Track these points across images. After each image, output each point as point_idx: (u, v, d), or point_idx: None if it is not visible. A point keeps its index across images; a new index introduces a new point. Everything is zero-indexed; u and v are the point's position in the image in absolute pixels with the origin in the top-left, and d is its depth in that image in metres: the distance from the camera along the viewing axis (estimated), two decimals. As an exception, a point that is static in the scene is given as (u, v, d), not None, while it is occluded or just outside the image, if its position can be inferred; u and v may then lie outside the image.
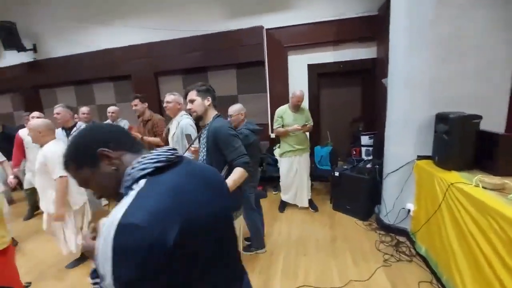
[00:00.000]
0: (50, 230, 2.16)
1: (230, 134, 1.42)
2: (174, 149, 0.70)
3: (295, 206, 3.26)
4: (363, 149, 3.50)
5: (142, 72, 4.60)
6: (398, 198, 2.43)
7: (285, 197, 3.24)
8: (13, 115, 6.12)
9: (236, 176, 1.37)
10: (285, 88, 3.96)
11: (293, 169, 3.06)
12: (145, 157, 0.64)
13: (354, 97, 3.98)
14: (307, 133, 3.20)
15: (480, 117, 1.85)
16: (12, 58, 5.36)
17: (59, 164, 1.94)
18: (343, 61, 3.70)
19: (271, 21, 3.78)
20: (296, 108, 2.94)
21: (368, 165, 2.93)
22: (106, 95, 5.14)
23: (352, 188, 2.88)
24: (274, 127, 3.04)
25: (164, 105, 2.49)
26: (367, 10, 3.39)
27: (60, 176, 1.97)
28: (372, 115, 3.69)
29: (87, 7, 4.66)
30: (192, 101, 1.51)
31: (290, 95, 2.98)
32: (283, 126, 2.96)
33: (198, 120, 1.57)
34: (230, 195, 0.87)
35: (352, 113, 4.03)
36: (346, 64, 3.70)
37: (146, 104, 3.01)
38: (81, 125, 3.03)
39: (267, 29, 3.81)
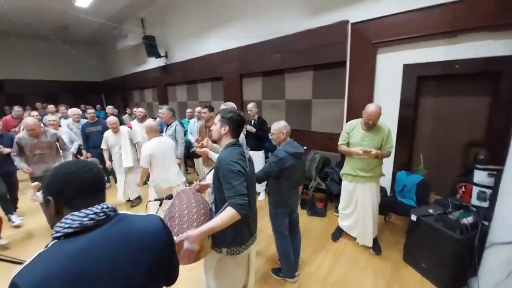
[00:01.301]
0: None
1: (230, 170, 1.28)
2: (108, 207, 0.74)
3: (354, 238, 2.72)
4: (475, 190, 2.39)
5: (230, 74, 5.04)
6: (502, 283, 1.54)
7: (343, 223, 2.75)
8: (152, 105, 8.28)
9: (224, 215, 1.24)
10: (368, 95, 3.26)
11: (354, 197, 2.54)
12: (64, 219, 0.69)
13: (477, 112, 2.75)
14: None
15: None
16: (152, 63, 7.18)
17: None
18: (460, 59, 2.61)
19: (358, 13, 3.15)
20: (369, 126, 2.33)
21: (468, 218, 1.99)
22: (206, 93, 6.02)
23: (433, 243, 2.07)
24: (339, 142, 2.56)
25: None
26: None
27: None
28: (503, 142, 2.44)
29: (197, 24, 5.54)
30: (215, 124, 1.50)
31: (364, 111, 2.35)
32: (348, 143, 2.46)
33: (215, 143, 1.55)
34: (166, 256, 0.82)
35: (468, 133, 2.83)
36: (465, 63, 2.59)
37: (213, 113, 3.30)
38: (177, 122, 3.68)
39: (352, 24, 3.21)
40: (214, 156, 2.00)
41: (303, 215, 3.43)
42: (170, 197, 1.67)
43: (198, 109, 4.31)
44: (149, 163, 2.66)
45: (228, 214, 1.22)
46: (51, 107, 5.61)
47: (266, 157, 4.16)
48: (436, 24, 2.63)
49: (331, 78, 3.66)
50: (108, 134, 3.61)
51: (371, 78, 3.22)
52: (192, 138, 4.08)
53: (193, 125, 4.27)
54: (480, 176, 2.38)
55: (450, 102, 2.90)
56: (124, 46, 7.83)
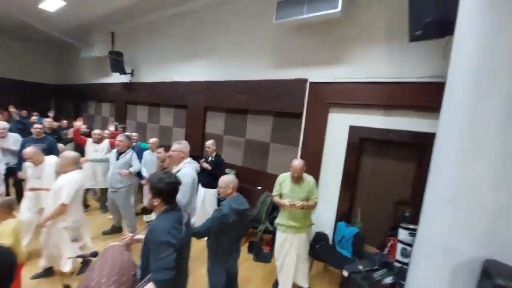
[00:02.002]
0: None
1: (159, 241, 1.23)
2: None
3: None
4: (399, 247, 2.68)
5: (195, 105, 5.07)
6: None
7: (280, 277, 2.77)
8: (108, 120, 7.75)
9: None
10: (319, 146, 3.56)
11: (284, 247, 2.62)
12: None
13: (406, 174, 3.19)
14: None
15: None
16: (116, 77, 6.88)
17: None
18: (394, 129, 3.06)
19: (317, 75, 3.55)
20: (295, 179, 2.55)
21: (389, 278, 2.19)
22: (168, 118, 5.89)
23: (360, 301, 2.20)
24: (272, 193, 2.74)
25: (169, 153, 2.56)
26: (431, 75, 2.74)
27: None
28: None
29: (171, 48, 5.60)
30: (148, 193, 1.45)
31: (291, 166, 2.59)
32: (281, 195, 2.62)
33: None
34: None
35: (399, 193, 3.23)
36: (397, 133, 3.04)
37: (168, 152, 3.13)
38: (131, 151, 3.46)
39: (310, 83, 3.59)
40: None
41: (248, 260, 3.38)
42: (95, 254, 1.53)
43: (152, 140, 4.12)
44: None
45: None
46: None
47: (218, 195, 4.12)
48: (376, 97, 3.09)
49: (289, 126, 3.92)
50: (26, 164, 2.98)
51: (323, 133, 3.55)
52: (144, 171, 3.82)
53: (147, 156, 4.03)
54: (403, 234, 2.68)
55: (385, 163, 3.30)
56: (88, 56, 7.43)
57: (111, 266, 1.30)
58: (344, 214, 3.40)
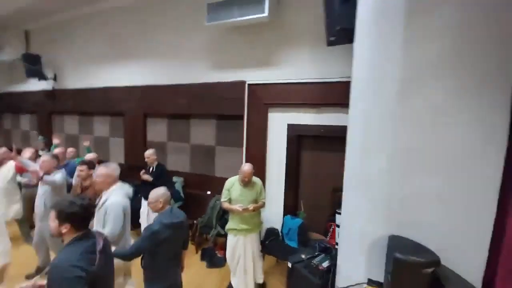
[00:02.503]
0: None
1: (64, 278, 1.11)
2: None
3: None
4: (337, 231, 2.97)
5: (133, 112, 4.72)
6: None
7: (233, 280, 2.81)
8: (29, 134, 6.69)
9: None
10: (262, 146, 3.68)
11: (237, 250, 2.69)
12: None
13: (337, 164, 3.52)
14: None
15: (436, 264, 1.38)
16: (36, 85, 5.95)
17: None
18: (324, 125, 3.35)
19: (254, 76, 3.65)
20: (245, 183, 2.63)
21: (326, 263, 2.42)
22: (103, 128, 5.35)
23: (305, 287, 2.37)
24: (221, 199, 2.75)
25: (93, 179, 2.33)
26: (350, 75, 3.06)
27: None
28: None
29: (98, 49, 5.07)
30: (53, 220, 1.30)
31: (239, 171, 2.68)
32: (230, 200, 2.66)
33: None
34: None
35: (335, 181, 3.55)
36: (327, 128, 3.34)
37: (92, 171, 2.79)
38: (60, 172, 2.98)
39: (249, 84, 3.68)
40: None
41: (201, 268, 3.34)
42: None
43: (69, 149, 3.69)
44: None
45: None
46: None
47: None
48: (308, 96, 3.33)
49: (232, 128, 3.96)
50: None
51: (264, 132, 3.68)
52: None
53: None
54: (339, 219, 2.98)
55: (321, 156, 3.60)
56: (-4, 59, 6.25)
57: None
58: (290, 208, 3.60)
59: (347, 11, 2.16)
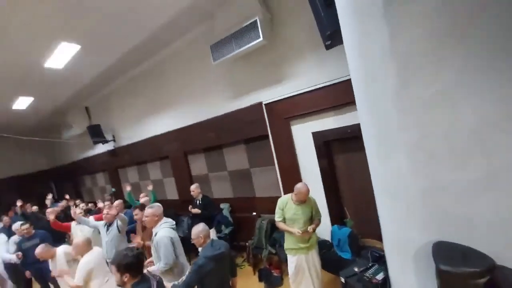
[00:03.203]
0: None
1: None
2: None
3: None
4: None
5: (175, 153, 5.29)
6: None
7: None
8: (105, 188, 7.99)
9: None
10: (293, 159, 3.69)
11: (301, 268, 2.67)
12: None
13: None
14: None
15: (490, 272, 1.20)
16: (101, 148, 7.18)
17: None
18: (349, 125, 3.20)
19: (268, 95, 3.75)
20: (300, 202, 2.59)
21: (380, 275, 2.25)
22: (156, 172, 6.10)
23: (360, 303, 2.24)
24: (276, 219, 2.69)
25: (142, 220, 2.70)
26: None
27: None
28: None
29: (140, 108, 5.92)
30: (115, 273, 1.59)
31: (294, 191, 2.59)
32: (285, 219, 2.64)
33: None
34: None
35: (378, 180, 3.31)
36: (353, 127, 3.16)
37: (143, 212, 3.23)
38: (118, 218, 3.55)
39: (265, 104, 3.79)
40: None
41: (260, 289, 3.43)
42: None
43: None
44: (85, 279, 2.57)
45: None
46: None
47: (219, 231, 4.22)
48: (324, 100, 3.26)
49: (261, 149, 4.09)
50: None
51: (292, 146, 3.69)
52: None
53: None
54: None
55: (354, 156, 3.40)
56: (70, 136, 7.79)
57: None
58: (335, 217, 3.47)
59: (332, 14, 2.13)
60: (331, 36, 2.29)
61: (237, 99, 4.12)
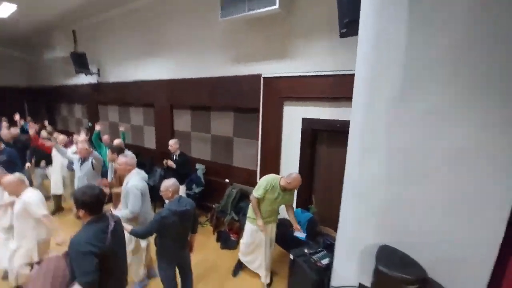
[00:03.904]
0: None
1: (79, 252, 1.40)
2: None
3: (252, 273, 3.02)
4: (345, 228, 2.95)
5: (161, 103, 5.10)
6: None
7: (244, 258, 3.03)
8: (82, 121, 7.69)
9: None
10: (277, 138, 3.72)
11: (257, 236, 2.84)
12: None
13: (354, 160, 3.41)
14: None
15: (421, 282, 1.35)
16: (84, 78, 6.75)
17: None
18: (340, 120, 3.23)
19: (269, 69, 3.63)
20: (288, 190, 2.72)
21: (325, 260, 2.46)
22: (138, 117, 5.91)
23: (302, 281, 2.47)
24: (256, 194, 2.71)
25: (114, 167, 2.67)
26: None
27: None
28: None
29: (132, 48, 5.49)
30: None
31: (287, 178, 2.67)
32: (263, 198, 2.71)
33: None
34: None
35: (350, 177, 3.46)
36: (344, 123, 3.21)
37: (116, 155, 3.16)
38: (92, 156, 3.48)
39: (264, 78, 3.67)
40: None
41: (216, 248, 3.65)
42: (39, 262, 1.70)
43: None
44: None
45: None
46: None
47: (189, 189, 4.31)
48: (322, 90, 3.22)
49: (248, 121, 4.05)
50: None
51: (279, 125, 3.69)
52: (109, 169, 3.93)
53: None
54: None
55: (336, 151, 3.50)
56: (52, 56, 7.20)
57: (46, 273, 1.48)
58: (302, 201, 3.64)
59: (355, 2, 2.01)
60: (349, 24, 2.19)
61: (236, 65, 3.95)
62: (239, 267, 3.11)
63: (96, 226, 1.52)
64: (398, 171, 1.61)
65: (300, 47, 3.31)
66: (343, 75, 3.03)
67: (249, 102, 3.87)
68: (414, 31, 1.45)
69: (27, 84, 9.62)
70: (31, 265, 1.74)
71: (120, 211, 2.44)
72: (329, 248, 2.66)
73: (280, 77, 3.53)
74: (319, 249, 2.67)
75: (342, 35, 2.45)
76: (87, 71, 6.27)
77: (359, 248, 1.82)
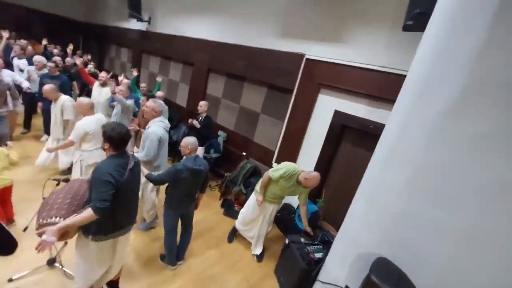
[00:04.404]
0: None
1: (100, 179, 1.52)
2: None
3: (247, 242, 3.14)
4: (348, 230, 2.89)
5: (201, 64, 5.14)
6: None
7: (239, 226, 3.14)
8: (126, 65, 8.07)
9: (83, 214, 1.49)
10: (303, 125, 3.61)
11: (257, 209, 2.89)
12: None
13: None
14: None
15: None
16: (135, 24, 6.96)
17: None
18: (375, 121, 3.02)
19: (314, 51, 3.42)
20: (303, 185, 2.67)
21: (319, 254, 2.45)
22: (176, 73, 6.05)
23: (291, 266, 2.52)
24: (271, 174, 2.69)
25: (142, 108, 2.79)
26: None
27: None
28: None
29: (185, 3, 5.45)
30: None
31: (306, 174, 2.61)
32: (274, 181, 2.71)
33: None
34: None
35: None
36: (378, 126, 3.00)
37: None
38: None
39: (307, 58, 3.49)
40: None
41: (218, 213, 3.82)
42: (66, 180, 1.89)
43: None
44: (80, 139, 2.77)
45: (87, 214, 1.49)
46: (21, 42, 5.21)
47: (207, 153, 4.44)
48: (364, 85, 2.99)
49: (279, 101, 3.95)
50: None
51: (309, 112, 3.56)
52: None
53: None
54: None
55: (361, 153, 3.33)
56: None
57: (68, 191, 1.66)
58: (312, 193, 3.57)
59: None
60: (417, 16, 1.94)
61: (280, 39, 3.78)
62: (233, 234, 3.24)
63: (118, 161, 1.65)
64: (423, 189, 1.48)
65: (354, 33, 3.05)
66: (391, 73, 2.77)
67: (285, 81, 3.74)
68: (491, 42, 1.24)
69: (84, 19, 10.16)
70: (58, 181, 1.92)
71: (138, 153, 2.60)
72: (326, 244, 2.65)
73: (324, 61, 3.33)
74: (316, 242, 2.67)
75: (406, 28, 2.19)
76: (139, 17, 6.43)
77: (356, 252, 1.78)
